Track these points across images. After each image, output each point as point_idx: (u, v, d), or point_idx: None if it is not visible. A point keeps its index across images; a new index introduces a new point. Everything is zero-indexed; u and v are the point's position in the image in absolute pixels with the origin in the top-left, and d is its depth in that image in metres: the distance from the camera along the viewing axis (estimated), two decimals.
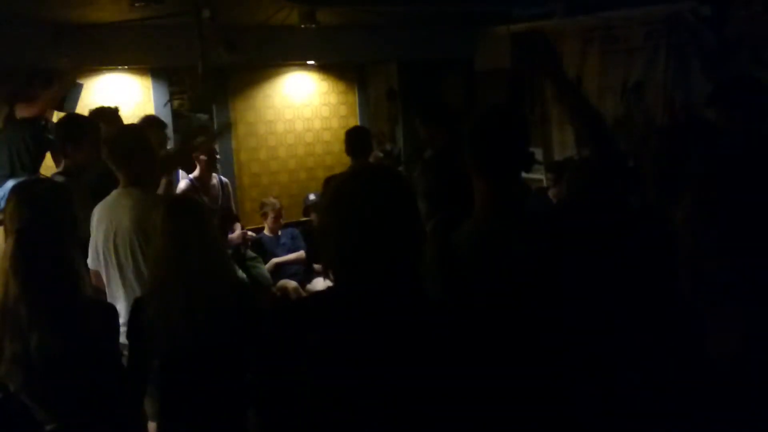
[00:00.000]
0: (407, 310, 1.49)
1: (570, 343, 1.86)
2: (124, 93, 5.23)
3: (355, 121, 6.33)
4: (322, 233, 1.54)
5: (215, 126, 5.73)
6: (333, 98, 6.38)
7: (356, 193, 1.49)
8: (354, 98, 6.52)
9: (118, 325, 2.37)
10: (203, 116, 5.75)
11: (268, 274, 5.38)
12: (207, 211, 2.54)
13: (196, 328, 2.30)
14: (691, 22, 4.91)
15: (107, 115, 3.78)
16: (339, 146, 6.04)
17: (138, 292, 2.64)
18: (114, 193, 2.83)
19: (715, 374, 0.87)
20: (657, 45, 5.28)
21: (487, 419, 1.51)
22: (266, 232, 5.72)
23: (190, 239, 2.32)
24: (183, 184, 5.10)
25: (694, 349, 1.79)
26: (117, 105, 3.93)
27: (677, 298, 1.98)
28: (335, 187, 1.54)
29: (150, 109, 5.15)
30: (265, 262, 5.48)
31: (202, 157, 4.97)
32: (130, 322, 2.39)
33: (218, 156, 5.26)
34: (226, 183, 5.32)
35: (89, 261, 2.86)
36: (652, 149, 2.15)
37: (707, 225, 0.91)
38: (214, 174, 5.22)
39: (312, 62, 5.98)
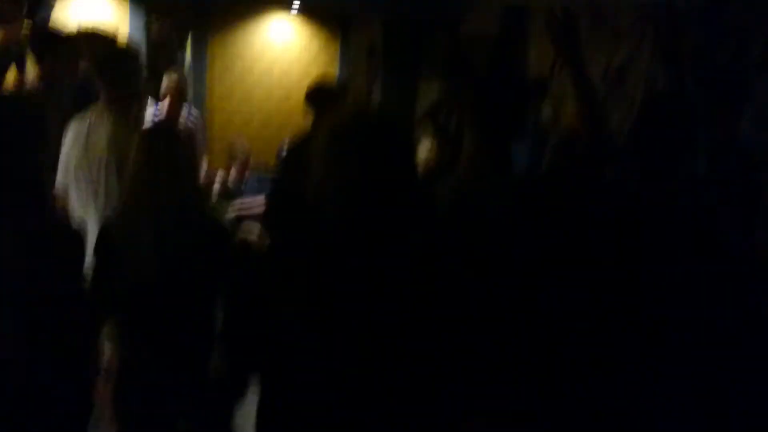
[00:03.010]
0: (394, 252, 1.49)
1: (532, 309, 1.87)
2: (96, 14, 5.01)
3: (333, 73, 6.22)
4: (315, 172, 1.51)
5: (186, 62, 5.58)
6: (314, 47, 6.24)
7: (351, 131, 1.49)
8: (335, 50, 6.39)
9: (84, 250, 2.29)
10: (179, 56, 5.57)
11: (230, 217, 5.29)
12: (186, 141, 2.45)
13: (163, 260, 2.24)
14: (681, 12, 4.92)
15: (101, 35, 3.57)
16: None
17: (107, 213, 2.55)
18: (93, 108, 2.72)
19: None
20: (644, 32, 5.29)
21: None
22: (233, 175, 5.60)
23: (164, 168, 2.24)
24: (150, 113, 4.94)
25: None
26: (116, 27, 3.72)
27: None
28: (331, 124, 1.53)
29: (123, 33, 4.95)
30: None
31: (171, 90, 4.84)
32: (97, 244, 2.30)
33: (187, 90, 5.10)
34: (197, 116, 5.18)
35: (58, 177, 2.75)
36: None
37: None
38: (185, 105, 5.07)
39: (296, 8, 5.83)
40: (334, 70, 6.31)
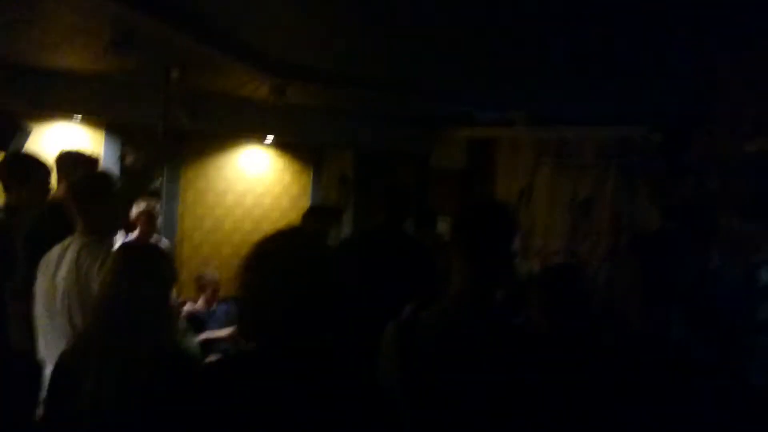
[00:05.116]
0: (319, 376, 1.45)
1: None
2: (74, 144, 5.05)
3: (306, 203, 6.28)
4: (243, 292, 1.51)
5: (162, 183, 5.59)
6: (287, 177, 6.33)
7: (280, 252, 1.50)
8: (308, 179, 6.49)
9: (39, 383, 2.15)
10: (153, 182, 5.61)
11: (197, 348, 5.10)
12: (168, 265, 2.34)
13: (125, 393, 2.07)
14: (641, 146, 5.16)
15: (82, 161, 3.62)
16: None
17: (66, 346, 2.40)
18: (67, 240, 2.67)
19: None
20: (607, 165, 5.50)
21: None
22: (201, 304, 5.47)
23: (138, 283, 2.12)
24: (120, 243, 4.88)
25: None
26: (97, 154, 3.79)
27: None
28: (259, 245, 1.54)
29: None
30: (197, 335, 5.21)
31: (142, 218, 4.82)
32: (50, 377, 2.15)
33: (159, 218, 5.09)
34: (168, 246, 5.12)
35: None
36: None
37: None
38: (156, 236, 5.03)
39: (271, 138, 5.96)
40: (306, 200, 6.37)
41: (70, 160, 3.57)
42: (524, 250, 5.88)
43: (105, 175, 3.06)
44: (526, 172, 5.97)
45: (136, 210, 4.85)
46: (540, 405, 1.83)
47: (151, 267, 2.18)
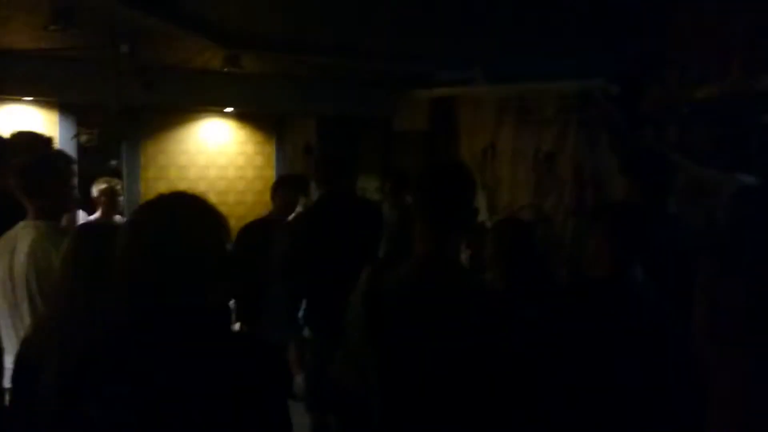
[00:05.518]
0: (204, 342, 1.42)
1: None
2: (26, 126, 4.92)
3: (270, 173, 6.23)
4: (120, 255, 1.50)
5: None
6: (249, 148, 6.26)
7: (152, 218, 1.49)
8: (271, 149, 6.43)
9: (1, 372, 2.11)
10: (113, 162, 5.51)
11: None
12: None
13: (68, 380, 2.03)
14: (600, 99, 5.18)
15: (36, 142, 3.50)
16: (252, 196, 5.92)
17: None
18: (19, 225, 2.59)
19: None
20: (568, 119, 5.53)
21: None
22: None
23: (99, 264, 2.07)
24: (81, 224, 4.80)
25: None
26: (51, 136, 3.64)
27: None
28: (136, 209, 1.54)
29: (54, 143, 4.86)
30: None
31: (103, 198, 4.74)
32: (14, 365, 2.11)
33: (121, 197, 5.01)
34: None
35: None
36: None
37: None
38: (118, 216, 4.95)
39: (230, 109, 5.88)
40: (271, 170, 6.32)
41: (23, 142, 3.45)
42: (491, 207, 5.93)
43: (55, 156, 2.97)
44: (489, 129, 5.97)
45: (97, 189, 4.76)
46: (504, 362, 1.86)
47: (109, 247, 2.14)
